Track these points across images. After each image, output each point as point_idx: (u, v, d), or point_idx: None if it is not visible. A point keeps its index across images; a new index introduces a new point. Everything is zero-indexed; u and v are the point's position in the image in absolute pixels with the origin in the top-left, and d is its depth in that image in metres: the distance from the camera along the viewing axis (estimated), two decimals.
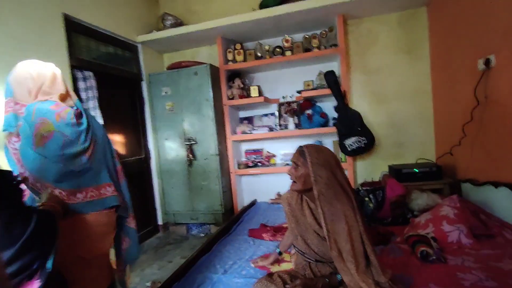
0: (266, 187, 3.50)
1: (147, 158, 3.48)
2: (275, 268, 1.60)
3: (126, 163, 3.15)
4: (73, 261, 1.16)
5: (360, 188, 2.24)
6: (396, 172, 2.71)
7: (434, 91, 3.04)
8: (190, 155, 3.31)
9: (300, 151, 1.27)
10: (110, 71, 3.00)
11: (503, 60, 1.90)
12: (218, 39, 3.32)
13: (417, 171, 2.63)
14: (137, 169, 3.33)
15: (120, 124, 3.17)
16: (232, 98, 3.37)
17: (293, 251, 1.49)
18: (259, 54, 3.29)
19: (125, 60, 3.25)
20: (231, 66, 3.33)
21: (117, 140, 3.08)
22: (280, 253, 1.60)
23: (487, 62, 2.01)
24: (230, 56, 3.36)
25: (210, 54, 3.62)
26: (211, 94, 3.20)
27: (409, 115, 3.14)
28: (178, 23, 3.37)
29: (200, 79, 3.22)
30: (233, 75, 3.43)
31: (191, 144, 3.31)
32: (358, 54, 3.21)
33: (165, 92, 3.35)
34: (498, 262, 1.42)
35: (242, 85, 3.37)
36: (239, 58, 3.33)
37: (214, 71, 3.28)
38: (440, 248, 1.58)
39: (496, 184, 1.98)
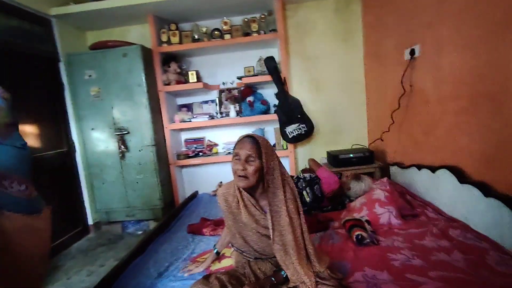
0: (209, 177, 3.37)
1: (70, 151, 3.04)
2: (215, 266, 1.52)
3: (45, 157, 2.71)
4: None
5: (300, 175, 2.25)
6: (334, 157, 2.81)
7: (366, 80, 3.21)
8: (122, 147, 2.99)
9: (253, 141, 1.14)
10: (14, 49, 2.49)
11: (426, 50, 2.04)
12: (150, 18, 3.00)
13: (352, 156, 2.77)
14: (58, 164, 2.89)
15: (32, 111, 2.68)
16: (168, 84, 3.10)
17: (232, 249, 1.41)
18: (196, 37, 3.07)
19: (34, 36, 2.73)
20: (166, 48, 3.04)
21: (28, 131, 2.61)
22: (218, 253, 1.49)
23: (412, 52, 2.15)
24: (164, 38, 3.07)
25: (142, 34, 3.26)
26: (143, 78, 2.89)
27: (345, 102, 3.27)
28: None
29: (131, 62, 2.88)
30: (168, 59, 3.15)
31: (122, 134, 2.98)
32: (297, 41, 3.21)
33: (89, 76, 2.93)
34: (422, 239, 1.54)
35: (179, 70, 3.12)
36: (175, 40, 3.06)
37: (146, 53, 2.96)
38: (373, 231, 1.66)
39: (419, 167, 2.16)
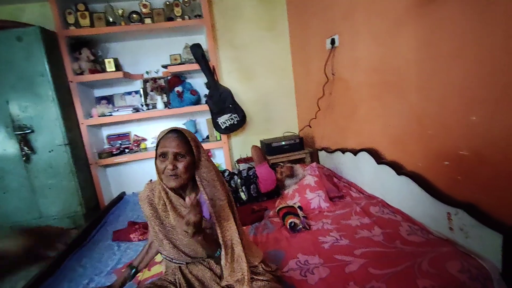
0: (138, 176, 3.10)
1: None
2: (144, 274, 1.39)
3: None
4: None
5: (236, 169, 2.21)
6: (267, 146, 2.84)
7: (294, 68, 3.30)
8: (26, 148, 2.53)
9: (180, 138, 1.02)
10: None
11: (344, 40, 2.15)
12: None
13: (284, 144, 2.84)
14: None
15: None
16: (81, 73, 2.71)
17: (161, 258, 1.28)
18: (111, 19, 2.72)
19: None
20: (74, 31, 2.63)
21: None
22: (135, 272, 1.24)
23: (333, 42, 2.24)
24: (71, 19, 2.64)
25: (42, 14, 2.75)
26: (47, 67, 2.45)
27: (275, 91, 3.32)
28: None
29: (28, 47, 2.41)
30: (78, 44, 2.73)
31: (25, 133, 2.51)
32: (225, 28, 3.11)
33: None
34: (348, 219, 1.65)
35: (93, 57, 2.74)
36: (84, 22, 2.66)
37: (49, 38, 2.51)
38: (305, 216, 1.72)
39: (343, 151, 2.31)
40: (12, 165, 2.55)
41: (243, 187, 2.10)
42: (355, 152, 2.13)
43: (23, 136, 2.51)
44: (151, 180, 1.23)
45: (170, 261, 1.13)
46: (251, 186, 2.11)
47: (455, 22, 1.23)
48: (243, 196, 2.09)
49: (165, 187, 1.07)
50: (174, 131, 1.04)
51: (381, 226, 1.53)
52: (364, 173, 2.04)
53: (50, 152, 2.59)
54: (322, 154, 2.75)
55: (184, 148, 1.01)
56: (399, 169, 1.69)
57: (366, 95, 1.98)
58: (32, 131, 2.53)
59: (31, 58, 2.43)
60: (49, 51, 2.47)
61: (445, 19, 1.28)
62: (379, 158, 1.89)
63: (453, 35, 1.25)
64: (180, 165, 1.01)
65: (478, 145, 1.21)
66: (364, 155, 2.01)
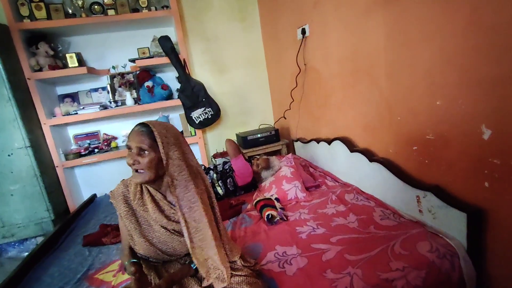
0: (110, 176, 2.97)
1: None
2: (119, 278, 1.33)
3: None
4: None
5: (212, 163, 2.17)
6: (243, 139, 2.82)
7: (267, 60, 3.27)
8: None
9: (145, 131, 0.98)
10: None
11: (315, 29, 2.15)
12: None
13: (260, 136, 2.82)
14: None
15: None
16: (40, 70, 2.52)
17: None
18: (70, 11, 2.54)
19: None
20: (29, 24, 2.43)
21: None
22: (136, 263, 1.14)
23: (303, 32, 2.24)
24: (24, 11, 2.44)
25: None
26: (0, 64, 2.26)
27: (249, 83, 3.28)
28: None
29: None
30: (35, 38, 2.53)
31: None
32: (195, 20, 3.01)
33: None
34: (324, 208, 1.67)
35: (52, 52, 2.55)
36: (40, 14, 2.47)
37: (0, 31, 2.31)
38: (283, 207, 1.72)
39: (318, 140, 2.33)
40: None
41: (220, 182, 2.07)
42: (329, 141, 2.16)
43: None
44: (123, 179, 1.17)
45: (146, 259, 1.09)
46: (228, 180, 2.08)
47: (421, 9, 1.26)
48: (219, 190, 2.06)
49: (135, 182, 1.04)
50: (144, 125, 1.00)
51: (356, 212, 1.56)
52: (339, 162, 2.08)
53: (9, 156, 2.41)
54: (297, 145, 2.77)
55: (149, 143, 0.97)
56: (371, 156, 1.72)
57: (338, 84, 2.00)
58: None
59: None
60: (0, 46, 2.27)
61: (411, 6, 1.30)
62: (352, 146, 1.92)
63: (418, 22, 1.28)
64: (143, 161, 0.98)
65: (442, 129, 1.25)
66: (338, 144, 2.04)
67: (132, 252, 1.11)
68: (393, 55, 1.46)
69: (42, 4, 2.47)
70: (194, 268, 1.07)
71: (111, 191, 1.13)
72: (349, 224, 1.47)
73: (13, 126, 2.37)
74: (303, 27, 2.23)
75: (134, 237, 1.07)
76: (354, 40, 1.74)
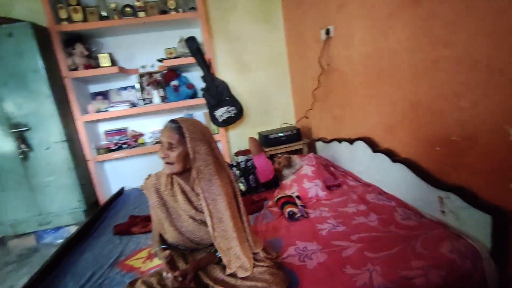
0: (137, 171, 3.10)
1: None
2: (147, 265, 1.42)
3: None
4: None
5: (234, 161, 2.24)
6: (265, 138, 2.87)
7: (289, 60, 3.30)
8: (23, 146, 2.53)
9: (175, 127, 1.07)
10: None
11: (339, 30, 2.16)
12: None
13: (282, 135, 2.86)
14: None
15: None
16: (76, 69, 2.70)
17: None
18: (104, 14, 2.69)
19: None
20: (67, 27, 2.61)
21: None
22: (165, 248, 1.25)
23: (327, 32, 2.26)
24: (63, 14, 2.62)
25: (33, 10, 2.71)
26: (40, 63, 2.44)
27: (271, 83, 3.33)
28: None
29: (19, 43, 2.39)
30: (72, 40, 2.71)
31: (21, 131, 2.51)
32: (220, 21, 3.10)
33: None
34: (345, 207, 1.70)
35: (86, 52, 2.72)
36: (77, 17, 2.64)
37: (41, 33, 2.49)
38: (303, 205, 1.76)
39: (339, 140, 2.35)
40: (9, 163, 2.56)
41: (242, 178, 2.13)
42: (351, 141, 2.16)
43: (20, 134, 2.51)
44: (150, 175, 1.26)
45: (175, 247, 1.17)
46: (250, 177, 2.14)
47: (446, 10, 1.26)
48: (242, 187, 2.12)
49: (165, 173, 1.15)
50: (173, 121, 1.08)
51: (377, 212, 1.57)
52: (360, 162, 2.08)
53: (47, 149, 2.60)
54: (319, 144, 2.78)
55: (177, 139, 1.05)
56: (393, 157, 1.72)
57: (361, 84, 2.00)
58: (29, 129, 2.53)
59: (23, 54, 2.41)
60: (41, 46, 2.45)
61: (436, 8, 1.31)
62: (374, 147, 1.92)
63: (444, 23, 1.28)
64: (172, 154, 1.06)
65: (467, 130, 1.25)
66: (360, 144, 2.04)
67: (162, 239, 1.19)
68: (417, 56, 1.46)
69: (79, 7, 2.63)
70: (218, 256, 1.14)
71: (144, 183, 1.22)
72: (370, 223, 1.48)
73: (51, 121, 2.55)
74: (328, 28, 2.25)
75: (165, 225, 1.16)
76: (378, 41, 1.75)
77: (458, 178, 1.33)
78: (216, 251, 1.14)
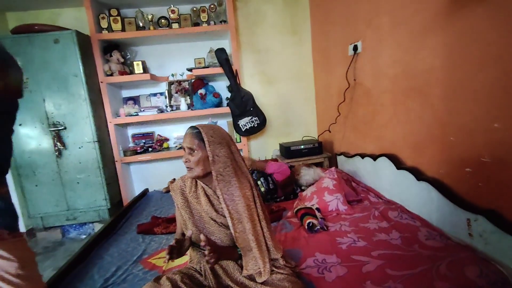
0: (160, 174, 3.23)
1: None
2: (169, 265, 1.46)
3: None
4: None
5: (253, 169, 2.28)
6: (286, 149, 2.89)
7: (315, 73, 3.34)
8: (59, 144, 2.70)
9: (194, 133, 1.12)
10: None
11: (367, 46, 2.18)
12: (86, 0, 2.71)
13: (303, 147, 2.87)
14: None
15: None
16: (111, 75, 2.87)
17: None
18: (140, 24, 2.87)
19: None
20: (107, 35, 2.79)
21: None
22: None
23: (355, 48, 2.28)
24: (104, 24, 2.81)
25: (77, 18, 2.94)
26: (81, 68, 2.62)
27: (295, 95, 3.37)
28: None
29: (64, 49, 2.59)
30: (110, 47, 2.89)
31: (58, 130, 2.68)
32: (248, 33, 3.20)
33: None
34: (366, 223, 1.67)
35: (122, 60, 2.90)
36: (116, 27, 2.82)
37: (83, 40, 2.69)
38: (323, 218, 1.75)
39: (362, 156, 2.33)
40: (45, 159, 2.73)
41: (262, 178, 2.19)
42: (374, 157, 2.14)
43: (57, 133, 2.69)
44: (174, 179, 1.32)
45: (197, 248, 1.21)
46: (268, 177, 2.20)
47: (482, 31, 1.25)
48: (261, 188, 2.17)
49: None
50: (193, 127, 1.15)
51: (399, 230, 1.54)
52: (383, 178, 2.05)
53: (80, 148, 2.76)
54: (341, 159, 2.77)
55: (197, 144, 1.10)
56: (419, 175, 1.69)
57: (388, 101, 1.99)
58: (65, 128, 2.70)
59: (66, 59, 2.61)
60: (83, 53, 2.64)
61: (471, 27, 1.30)
62: (399, 164, 1.89)
63: (479, 43, 1.27)
64: (192, 159, 1.11)
65: (500, 152, 1.22)
66: (383, 161, 2.02)
67: (183, 237, 1.24)
68: (449, 75, 1.45)
69: (118, 17, 2.82)
70: (239, 253, 1.17)
71: (170, 185, 1.28)
72: (392, 241, 1.45)
73: (85, 123, 2.72)
74: (356, 43, 2.27)
75: (188, 225, 1.21)
76: (408, 58, 1.75)
77: (488, 201, 1.29)
78: (237, 247, 1.17)
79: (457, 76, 1.40)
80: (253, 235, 1.12)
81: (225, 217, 1.16)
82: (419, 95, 1.68)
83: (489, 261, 1.19)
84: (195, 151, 1.11)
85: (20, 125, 2.64)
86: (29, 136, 2.68)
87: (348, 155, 2.59)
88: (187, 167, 1.14)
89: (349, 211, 1.85)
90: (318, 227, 1.63)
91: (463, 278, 1.12)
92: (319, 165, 2.95)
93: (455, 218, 1.42)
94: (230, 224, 1.13)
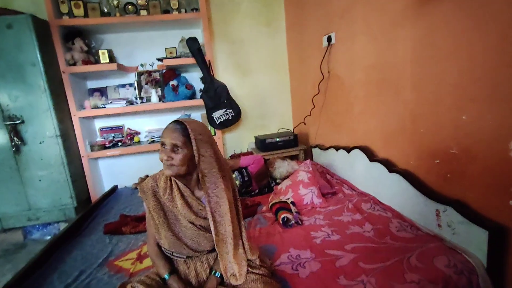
0: (131, 169, 3.08)
1: None
2: (137, 267, 1.39)
3: None
4: None
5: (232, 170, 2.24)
6: (261, 142, 2.85)
7: (290, 65, 3.30)
8: (16, 139, 2.48)
9: (180, 128, 1.01)
10: None
11: (341, 38, 2.16)
12: None
13: (278, 140, 2.85)
14: None
15: None
16: (74, 64, 2.66)
17: None
18: (105, 10, 2.68)
19: None
20: (67, 21, 2.58)
21: None
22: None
23: (329, 39, 2.25)
24: (64, 8, 2.59)
25: (33, 2, 2.69)
26: (39, 57, 2.41)
27: (270, 87, 3.32)
28: None
29: (18, 36, 2.36)
30: (71, 34, 2.68)
31: (15, 124, 2.47)
32: (221, 22, 3.09)
33: None
34: (340, 216, 1.68)
35: (86, 48, 2.69)
36: (78, 12, 2.61)
37: (41, 26, 2.46)
38: (298, 212, 1.73)
39: (337, 148, 2.33)
40: (1, 156, 2.51)
41: (236, 172, 2.15)
42: (348, 149, 2.15)
43: (13, 127, 2.47)
44: (146, 175, 1.21)
45: (170, 255, 1.13)
46: (243, 171, 2.17)
47: (450, 22, 1.25)
48: (237, 181, 2.12)
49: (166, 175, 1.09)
50: (178, 122, 1.03)
51: (372, 222, 1.55)
52: (357, 171, 2.07)
53: (40, 143, 2.55)
54: (316, 151, 2.77)
55: (183, 141, 1.00)
56: (391, 167, 1.71)
57: (361, 93, 2.00)
58: (22, 122, 2.49)
59: (21, 46, 2.38)
60: (40, 40, 2.42)
61: (440, 20, 1.30)
62: (372, 156, 1.91)
63: (448, 36, 1.27)
64: (177, 157, 1.00)
65: (467, 144, 1.24)
66: (357, 153, 2.03)
67: (169, 263, 1.14)
68: (420, 67, 1.46)
69: (80, 2, 2.61)
70: (218, 276, 1.10)
71: (139, 185, 1.15)
72: (365, 233, 1.46)
73: (46, 116, 2.51)
74: (329, 34, 2.25)
75: (161, 230, 1.10)
76: (380, 50, 1.75)
77: (456, 192, 1.32)
78: (215, 272, 1.11)
79: (427, 68, 1.41)
80: (232, 237, 1.06)
81: (206, 219, 1.08)
82: (391, 87, 1.69)
83: (457, 251, 1.22)
84: (180, 148, 1.00)
85: None
86: None
87: (323, 148, 2.60)
88: (169, 165, 1.02)
89: (323, 204, 1.85)
90: (293, 221, 1.61)
91: (433, 268, 1.14)
92: (294, 158, 2.95)
93: (425, 209, 1.45)
94: (212, 227, 1.05)
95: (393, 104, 1.69)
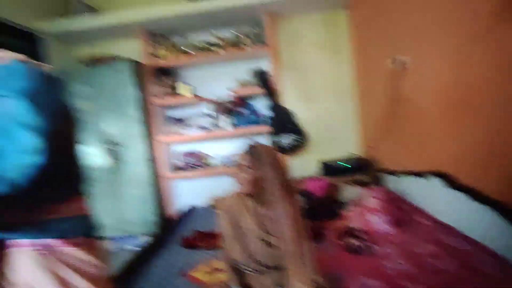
0: (205, 190, 3.34)
1: None
2: (211, 279, 1.51)
3: None
4: None
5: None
6: (327, 167, 2.84)
7: (356, 89, 3.27)
8: (115, 161, 2.98)
9: (253, 152, 1.17)
10: None
11: (413, 61, 2.10)
12: (141, 32, 3.04)
13: (345, 165, 2.80)
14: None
15: None
16: (161, 98, 3.13)
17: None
18: (187, 50, 3.12)
19: (20, 52, 2.73)
20: (157, 62, 3.08)
21: None
22: None
23: (399, 62, 2.20)
24: (155, 52, 3.11)
25: (133, 48, 3.28)
26: (135, 93, 2.92)
27: (336, 112, 3.32)
28: (90, 10, 3.00)
29: (122, 77, 2.91)
30: (160, 72, 3.18)
31: (115, 148, 2.97)
32: (287, 53, 3.28)
33: (80, 91, 2.94)
34: (413, 245, 1.56)
35: (170, 83, 3.15)
36: (166, 53, 3.11)
37: (138, 68, 3.00)
38: (367, 239, 1.67)
39: (409, 173, 2.19)
40: (102, 175, 3.02)
41: (302, 195, 2.19)
42: (424, 175, 2.00)
43: (114, 150, 2.98)
44: (220, 196, 1.37)
45: (242, 270, 1.22)
46: (309, 194, 2.21)
47: None
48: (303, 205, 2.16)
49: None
50: (249, 145, 1.19)
51: (451, 254, 1.40)
52: (434, 198, 1.90)
53: (133, 165, 3.01)
54: (386, 177, 2.63)
55: (253, 162, 1.13)
56: (476, 196, 1.54)
57: (437, 116, 1.87)
58: (121, 147, 2.98)
59: (123, 85, 2.92)
60: (137, 78, 2.94)
61: None
62: (452, 183, 1.75)
63: None
64: (244, 176, 1.15)
65: None
66: (434, 179, 1.87)
67: (241, 277, 1.24)
68: (508, 88, 1.33)
69: (167, 45, 3.12)
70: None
71: (215, 203, 1.33)
72: (442, 266, 1.33)
73: (139, 142, 2.98)
74: (398, 57, 2.20)
75: (234, 246, 1.22)
76: (456, 70, 1.65)
77: None
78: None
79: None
80: (294, 257, 1.12)
81: (275, 237, 1.17)
82: (470, 110, 1.56)
83: None
84: (249, 169, 1.15)
85: (83, 144, 2.98)
86: (88, 154, 2.99)
87: (395, 173, 2.46)
88: (240, 183, 1.18)
89: (395, 233, 1.74)
90: (362, 249, 1.56)
91: None
92: (362, 183, 2.83)
93: None
94: (279, 245, 1.13)
95: (474, 128, 1.56)
